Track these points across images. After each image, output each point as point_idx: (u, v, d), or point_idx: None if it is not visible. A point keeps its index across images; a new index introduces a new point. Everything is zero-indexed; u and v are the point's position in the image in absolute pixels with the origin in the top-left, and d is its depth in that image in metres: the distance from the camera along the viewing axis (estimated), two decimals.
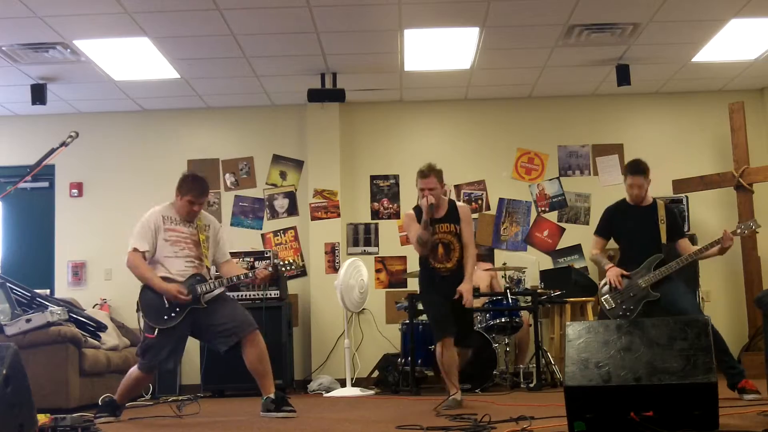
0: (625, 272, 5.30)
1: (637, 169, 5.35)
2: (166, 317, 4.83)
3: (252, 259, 7.54)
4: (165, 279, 4.86)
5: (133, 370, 4.94)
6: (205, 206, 5.16)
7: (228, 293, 5.19)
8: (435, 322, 5.36)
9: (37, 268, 8.32)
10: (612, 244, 5.69)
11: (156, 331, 4.82)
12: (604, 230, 5.58)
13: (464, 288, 5.25)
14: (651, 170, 5.43)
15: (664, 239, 5.29)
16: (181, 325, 4.87)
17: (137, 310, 4.93)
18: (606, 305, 5.33)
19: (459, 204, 5.50)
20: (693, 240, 6.93)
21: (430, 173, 5.28)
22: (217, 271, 5.24)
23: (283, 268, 5.10)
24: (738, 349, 7.40)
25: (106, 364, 6.49)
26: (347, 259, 7.42)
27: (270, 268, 5.06)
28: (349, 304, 7.09)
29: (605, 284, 5.39)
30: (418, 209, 5.36)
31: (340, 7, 6.14)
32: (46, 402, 5.34)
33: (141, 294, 4.92)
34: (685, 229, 7.23)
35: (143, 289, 4.91)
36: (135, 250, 4.90)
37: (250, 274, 5.02)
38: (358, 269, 7.18)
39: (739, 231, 5.28)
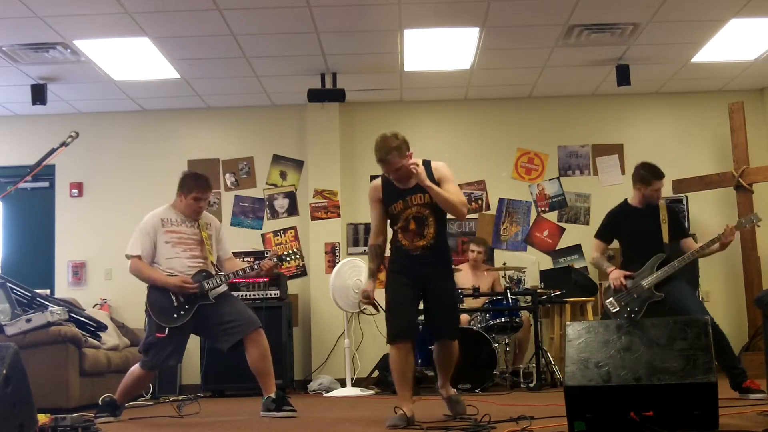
0: (627, 273, 5.30)
1: (659, 174, 5.36)
2: (175, 315, 4.83)
3: (252, 259, 7.53)
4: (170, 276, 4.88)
5: (135, 368, 4.93)
6: (206, 205, 5.15)
7: (231, 293, 5.20)
8: (388, 318, 4.38)
9: (37, 268, 8.33)
10: (614, 244, 5.69)
11: (167, 330, 4.81)
12: (605, 234, 5.57)
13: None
14: None
15: (666, 239, 5.30)
16: (189, 323, 4.88)
17: (146, 311, 4.90)
18: (611, 308, 5.31)
19: (434, 164, 4.43)
20: (694, 240, 6.93)
21: (387, 156, 4.25)
22: (220, 269, 5.23)
23: (288, 258, 5.12)
24: (738, 349, 7.38)
25: (106, 364, 6.49)
26: (345, 259, 7.42)
27: (274, 259, 5.07)
28: (343, 304, 7.10)
29: (608, 287, 5.39)
30: (385, 179, 4.48)
31: (340, 7, 6.14)
32: (46, 402, 5.34)
33: (148, 295, 4.91)
34: None
35: (149, 290, 4.91)
36: (132, 256, 4.91)
37: (255, 267, 5.02)
38: (355, 269, 7.17)
39: (741, 225, 5.31)
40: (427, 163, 4.41)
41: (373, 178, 8.34)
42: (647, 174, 5.38)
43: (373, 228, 4.60)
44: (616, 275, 5.31)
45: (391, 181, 4.42)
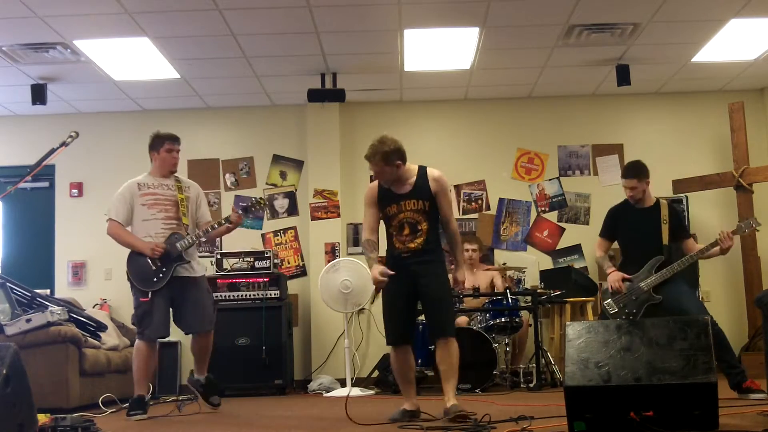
0: (626, 276, 5.28)
1: (627, 173, 5.39)
2: (155, 279, 5.12)
3: (252, 259, 7.54)
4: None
5: (137, 345, 5.20)
6: (178, 156, 5.46)
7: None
8: (385, 323, 4.60)
9: (37, 268, 8.32)
10: (614, 244, 5.68)
11: (150, 294, 5.08)
12: (607, 232, 5.55)
13: (460, 276, 4.65)
14: (650, 170, 5.43)
15: (666, 240, 5.27)
16: (168, 288, 5.13)
17: (128, 279, 5.20)
18: (609, 309, 5.30)
19: (431, 173, 4.60)
20: (695, 240, 6.93)
21: (371, 158, 4.55)
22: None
23: (256, 206, 5.38)
24: (738, 349, 7.39)
25: (106, 364, 6.48)
26: (345, 257, 7.42)
27: (240, 210, 5.34)
28: (327, 297, 7.14)
29: (606, 289, 5.38)
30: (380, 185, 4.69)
31: (340, 7, 6.14)
32: (46, 402, 5.33)
33: (128, 263, 5.19)
34: None
35: (129, 257, 5.18)
36: (111, 219, 5.24)
37: (223, 222, 5.29)
38: (351, 269, 7.15)
39: (739, 230, 5.27)
40: (423, 170, 4.60)
41: (372, 177, 8.40)
42: (622, 171, 5.50)
43: (365, 227, 4.71)
44: (614, 277, 5.30)
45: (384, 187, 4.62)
